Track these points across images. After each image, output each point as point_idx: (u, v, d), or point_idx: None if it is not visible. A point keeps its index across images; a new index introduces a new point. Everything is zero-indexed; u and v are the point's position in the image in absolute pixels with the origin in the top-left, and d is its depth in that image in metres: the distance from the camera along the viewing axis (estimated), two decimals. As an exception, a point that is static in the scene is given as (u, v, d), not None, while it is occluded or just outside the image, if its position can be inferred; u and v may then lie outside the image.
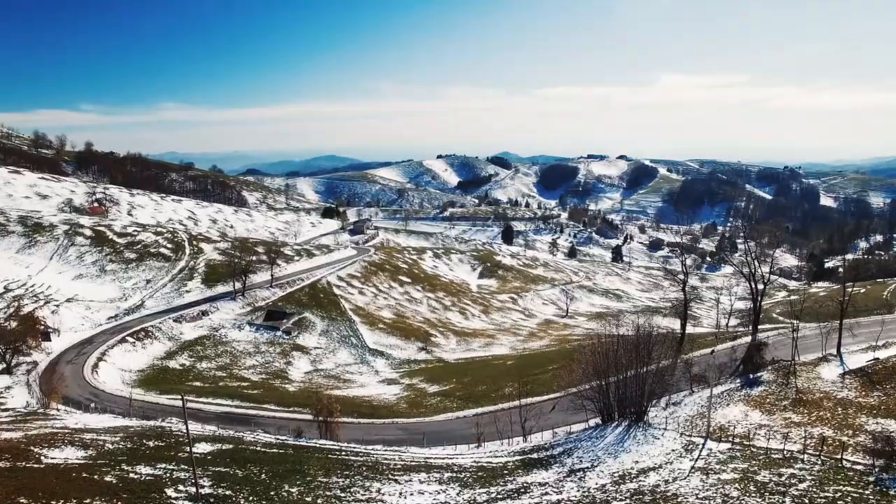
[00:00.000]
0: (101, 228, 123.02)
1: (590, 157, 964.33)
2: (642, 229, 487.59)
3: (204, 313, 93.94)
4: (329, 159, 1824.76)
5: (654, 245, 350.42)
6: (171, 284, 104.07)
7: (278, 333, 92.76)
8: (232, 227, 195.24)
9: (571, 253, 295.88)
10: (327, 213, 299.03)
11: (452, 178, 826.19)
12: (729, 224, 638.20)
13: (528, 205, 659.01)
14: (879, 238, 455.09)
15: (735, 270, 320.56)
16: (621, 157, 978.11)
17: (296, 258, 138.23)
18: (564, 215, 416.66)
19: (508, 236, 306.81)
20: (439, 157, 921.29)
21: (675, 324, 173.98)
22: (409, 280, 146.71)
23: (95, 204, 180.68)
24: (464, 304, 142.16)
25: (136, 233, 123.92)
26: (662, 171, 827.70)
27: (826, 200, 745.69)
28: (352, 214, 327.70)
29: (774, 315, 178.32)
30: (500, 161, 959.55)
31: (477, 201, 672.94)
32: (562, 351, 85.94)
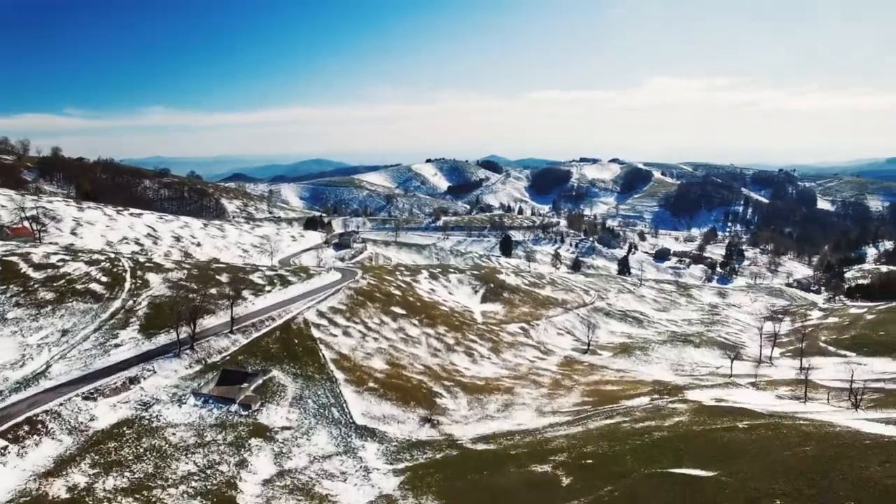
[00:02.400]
0: (14, 259, 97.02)
1: (582, 160, 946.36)
2: (642, 236, 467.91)
3: (133, 380, 69.52)
4: (316, 163, 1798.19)
5: (661, 255, 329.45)
6: (95, 336, 79.17)
7: (233, 408, 68.42)
8: (199, 244, 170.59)
9: (576, 266, 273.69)
10: (310, 225, 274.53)
11: (442, 183, 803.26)
12: (728, 229, 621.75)
13: (521, 210, 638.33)
14: (889, 245, 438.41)
15: (750, 284, 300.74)
16: (614, 160, 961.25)
17: (267, 288, 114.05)
18: (563, 222, 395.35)
19: (507, 248, 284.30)
20: (428, 161, 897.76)
21: (712, 355, 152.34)
22: (403, 311, 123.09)
23: (22, 223, 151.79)
24: (470, 342, 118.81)
25: (61, 263, 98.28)
26: (657, 174, 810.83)
27: (823, 204, 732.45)
28: (337, 225, 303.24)
29: (822, 344, 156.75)
30: (491, 165, 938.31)
31: (468, 207, 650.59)
32: (622, 435, 63.09)
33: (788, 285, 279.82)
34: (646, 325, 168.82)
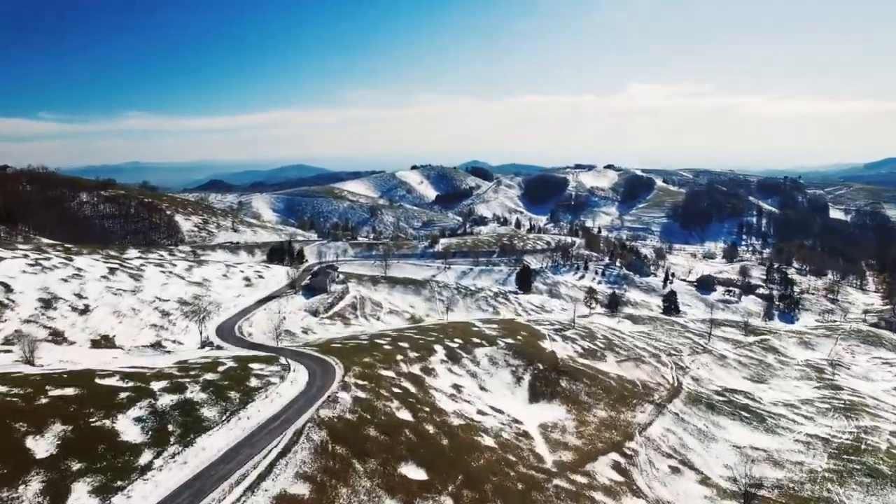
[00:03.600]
0: None
1: (577, 167, 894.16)
2: (660, 253, 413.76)
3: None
4: (297, 168, 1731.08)
5: (705, 284, 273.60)
6: None
7: None
8: (86, 310, 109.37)
9: (612, 304, 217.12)
10: (276, 255, 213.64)
11: (429, 192, 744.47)
12: (744, 242, 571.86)
13: (518, 223, 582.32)
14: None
15: (823, 323, 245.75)
16: (609, 166, 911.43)
17: (140, 460, 54.44)
18: (579, 241, 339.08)
19: (526, 281, 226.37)
20: (414, 168, 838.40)
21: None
22: (421, 475, 64.40)
23: None
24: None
25: None
26: (659, 182, 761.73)
27: (836, 213, 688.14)
28: (311, 253, 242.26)
29: None
30: (480, 172, 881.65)
31: (460, 219, 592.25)
32: None
33: (875, 325, 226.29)
34: (774, 427, 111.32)
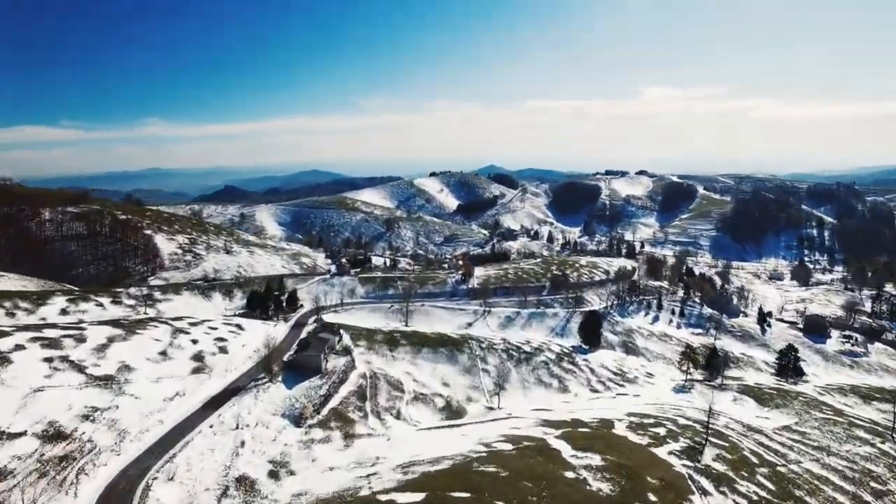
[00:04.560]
0: None
1: (608, 173, 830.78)
2: (725, 277, 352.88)
3: None
4: (312, 174, 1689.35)
5: (815, 328, 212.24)
6: None
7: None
8: None
9: (711, 365, 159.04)
10: (257, 303, 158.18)
11: (450, 201, 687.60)
12: (806, 257, 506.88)
13: (551, 237, 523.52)
14: None
15: None
16: (641, 172, 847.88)
17: None
18: (635, 263, 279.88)
19: (594, 332, 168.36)
20: (433, 174, 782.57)
21: None
22: None
23: None
24: None
25: None
26: (701, 189, 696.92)
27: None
28: (308, 294, 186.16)
29: None
30: (504, 179, 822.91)
31: (486, 233, 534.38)
32: None
33: None
34: None
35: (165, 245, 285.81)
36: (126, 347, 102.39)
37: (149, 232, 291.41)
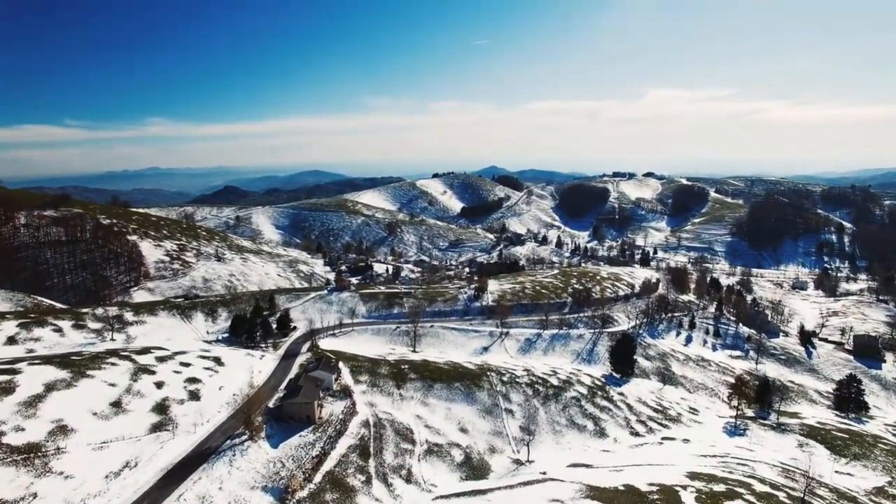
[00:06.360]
0: None
1: (615, 174, 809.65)
2: (747, 286, 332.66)
3: None
4: (314, 174, 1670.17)
5: (865, 350, 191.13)
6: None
7: None
8: None
9: (763, 398, 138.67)
10: (242, 327, 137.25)
11: (454, 204, 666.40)
12: (826, 264, 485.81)
13: (560, 241, 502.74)
14: None
15: None
16: (649, 173, 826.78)
17: None
18: (655, 274, 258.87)
19: (626, 358, 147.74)
20: (436, 176, 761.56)
21: None
22: None
23: None
24: None
25: None
26: (713, 192, 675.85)
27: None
28: (302, 314, 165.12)
29: None
30: (508, 181, 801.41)
31: (492, 237, 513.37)
32: None
33: None
34: None
35: (152, 252, 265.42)
36: (68, 398, 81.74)
37: (134, 238, 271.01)
